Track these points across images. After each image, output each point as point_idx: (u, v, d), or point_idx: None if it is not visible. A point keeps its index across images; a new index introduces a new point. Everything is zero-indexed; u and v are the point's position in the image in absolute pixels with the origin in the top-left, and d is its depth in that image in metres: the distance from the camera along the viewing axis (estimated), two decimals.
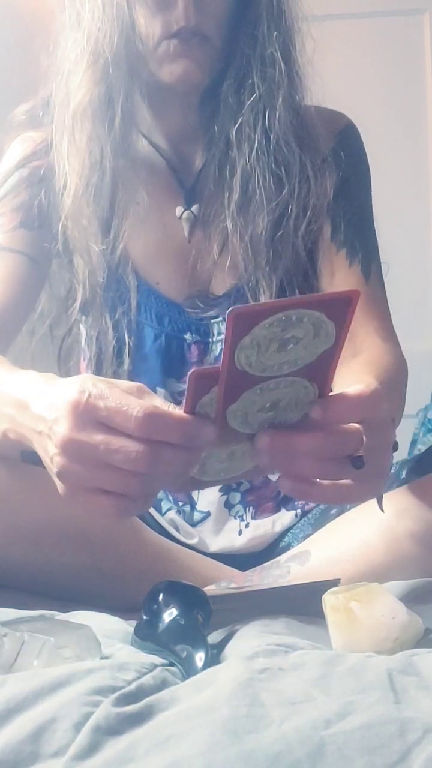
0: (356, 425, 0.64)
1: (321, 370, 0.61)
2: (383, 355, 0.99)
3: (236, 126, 1.00)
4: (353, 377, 0.85)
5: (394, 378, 0.95)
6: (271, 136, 1.00)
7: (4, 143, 1.11)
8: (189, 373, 0.59)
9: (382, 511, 0.78)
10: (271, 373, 0.59)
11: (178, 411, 0.61)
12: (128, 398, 0.61)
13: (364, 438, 0.64)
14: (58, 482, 0.65)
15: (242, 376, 0.59)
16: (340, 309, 0.57)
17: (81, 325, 1.10)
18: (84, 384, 0.62)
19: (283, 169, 1.01)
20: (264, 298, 1.02)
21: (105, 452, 0.60)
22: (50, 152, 1.04)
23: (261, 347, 0.57)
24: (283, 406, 0.62)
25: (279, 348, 0.58)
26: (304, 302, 0.56)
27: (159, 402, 0.63)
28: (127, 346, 1.05)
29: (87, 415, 0.61)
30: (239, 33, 1.00)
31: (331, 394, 0.64)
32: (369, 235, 1.08)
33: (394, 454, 0.73)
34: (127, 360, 1.05)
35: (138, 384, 0.65)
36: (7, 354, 0.98)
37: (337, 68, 1.60)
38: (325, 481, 0.66)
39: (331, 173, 1.04)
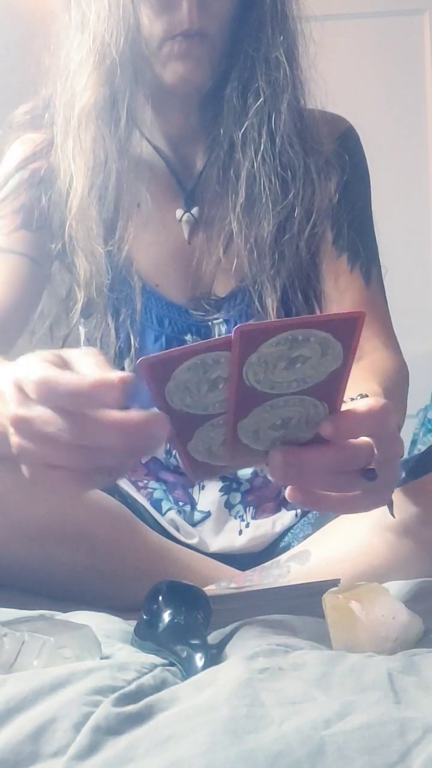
0: (367, 439, 0.64)
1: (330, 389, 0.61)
2: (385, 361, 0.99)
3: (242, 129, 1.00)
4: (355, 385, 0.85)
5: (396, 384, 0.95)
6: (276, 139, 1.00)
7: (4, 144, 1.11)
8: (138, 363, 0.58)
9: (393, 516, 0.78)
10: (280, 390, 0.60)
11: (101, 374, 0.59)
12: (36, 366, 0.60)
13: (375, 451, 0.65)
14: (22, 466, 0.64)
15: (251, 392, 0.59)
16: (346, 330, 0.57)
17: (81, 327, 1.10)
18: (23, 359, 0.62)
19: (288, 172, 1.01)
20: (268, 301, 1.02)
21: (41, 424, 0.60)
22: (51, 153, 1.04)
23: (269, 365, 0.58)
24: (293, 424, 0.63)
25: (287, 366, 0.58)
26: (309, 322, 0.57)
27: (109, 371, 0.60)
28: (133, 348, 1.05)
29: (23, 390, 0.61)
30: (243, 35, 1.00)
31: (343, 409, 0.64)
32: (369, 240, 1.09)
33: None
34: (128, 362, 1.05)
35: (91, 349, 0.64)
36: (9, 354, 0.98)
37: (338, 68, 1.59)
38: (334, 493, 0.66)
39: (335, 175, 1.05)
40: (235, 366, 0.57)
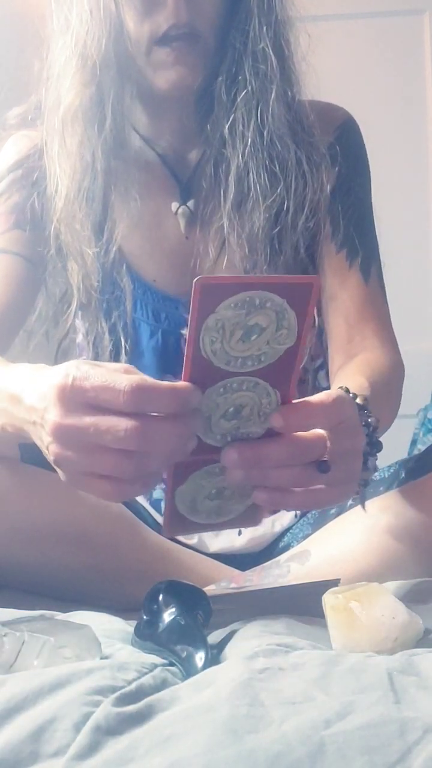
0: (319, 431, 0.65)
1: (283, 374, 0.62)
2: (379, 358, 0.99)
3: (229, 123, 1.00)
4: (345, 379, 0.85)
5: (388, 381, 0.95)
6: (265, 132, 0.99)
7: None
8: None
9: (365, 510, 0.80)
10: (235, 367, 0.60)
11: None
12: (114, 375, 0.61)
13: (329, 443, 0.65)
14: (58, 470, 0.65)
15: (206, 367, 0.60)
16: (301, 296, 0.59)
17: (77, 325, 1.10)
18: (68, 368, 0.62)
19: (277, 165, 1.00)
20: None
21: (95, 434, 0.60)
22: (43, 155, 1.04)
23: (225, 331, 0.58)
24: (245, 414, 0.63)
25: (243, 336, 0.59)
26: (267, 281, 0.58)
27: (147, 378, 0.62)
28: (123, 349, 1.05)
29: (74, 398, 0.61)
30: (230, 29, 0.99)
31: (295, 401, 0.65)
32: (369, 236, 1.08)
33: (378, 454, 0.75)
34: (123, 361, 1.05)
35: (125, 365, 0.65)
36: (6, 355, 0.98)
37: (337, 68, 1.59)
38: (298, 489, 0.67)
39: (329, 168, 1.04)
40: (193, 325, 0.58)
